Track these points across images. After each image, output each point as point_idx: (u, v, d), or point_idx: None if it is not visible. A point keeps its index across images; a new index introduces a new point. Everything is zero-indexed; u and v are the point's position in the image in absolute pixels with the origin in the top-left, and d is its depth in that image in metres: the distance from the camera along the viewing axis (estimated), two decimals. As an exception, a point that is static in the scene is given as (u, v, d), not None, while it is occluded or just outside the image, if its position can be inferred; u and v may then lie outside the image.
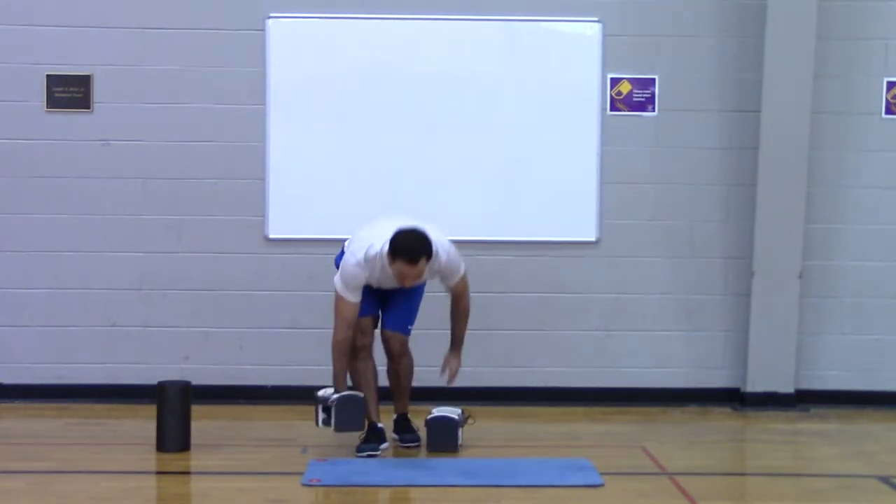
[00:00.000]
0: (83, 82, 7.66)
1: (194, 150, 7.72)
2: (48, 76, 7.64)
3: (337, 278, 6.15)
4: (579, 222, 7.77)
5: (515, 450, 6.34)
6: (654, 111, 7.79)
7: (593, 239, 7.79)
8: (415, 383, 7.73)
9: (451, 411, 6.32)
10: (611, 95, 7.77)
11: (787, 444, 6.97)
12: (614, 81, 7.77)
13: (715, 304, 7.85)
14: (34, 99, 7.66)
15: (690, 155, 7.81)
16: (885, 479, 5.85)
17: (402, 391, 6.56)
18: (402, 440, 6.42)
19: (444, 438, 6.24)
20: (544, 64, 7.76)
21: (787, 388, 7.75)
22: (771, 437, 7.07)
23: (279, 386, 7.75)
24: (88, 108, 7.68)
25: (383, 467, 5.86)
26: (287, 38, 7.68)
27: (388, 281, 6.15)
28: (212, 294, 7.75)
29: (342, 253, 6.32)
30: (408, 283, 6.07)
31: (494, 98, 7.74)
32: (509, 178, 7.75)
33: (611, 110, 7.77)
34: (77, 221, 7.70)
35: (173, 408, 6.22)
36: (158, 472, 5.96)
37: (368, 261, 6.04)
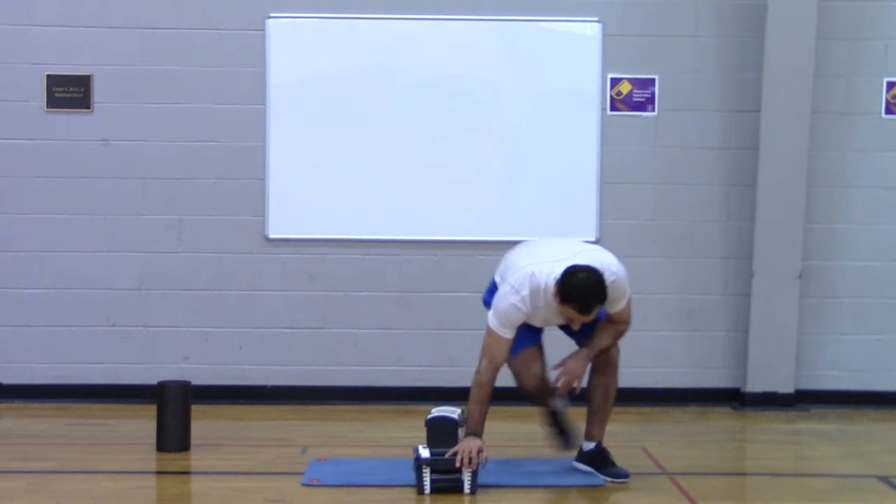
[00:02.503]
0: (83, 82, 7.65)
1: (194, 150, 7.72)
2: (48, 76, 7.64)
3: (491, 314, 5.43)
4: (579, 222, 7.76)
5: (515, 450, 6.33)
6: (654, 111, 7.79)
7: (593, 239, 7.79)
8: (415, 383, 7.76)
9: (451, 411, 6.28)
10: (611, 95, 7.77)
11: (787, 444, 6.96)
12: (614, 81, 7.77)
13: (715, 304, 7.85)
14: (34, 99, 7.65)
15: (690, 155, 7.81)
16: (885, 479, 5.85)
17: (605, 412, 5.77)
18: (610, 474, 5.73)
19: (444, 438, 6.22)
20: (544, 64, 7.76)
21: (787, 388, 7.75)
22: (771, 437, 7.07)
23: (279, 386, 7.75)
24: (88, 108, 7.67)
25: (383, 467, 5.85)
26: (287, 38, 7.68)
27: (556, 318, 5.50)
28: (212, 294, 7.75)
29: (493, 288, 5.59)
30: (576, 327, 5.41)
31: (494, 98, 7.74)
32: (509, 179, 7.75)
33: (611, 110, 7.77)
34: (77, 221, 7.70)
35: (173, 408, 6.22)
36: (158, 472, 5.96)
37: (533, 295, 5.33)
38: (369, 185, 7.69)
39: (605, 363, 5.67)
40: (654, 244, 7.83)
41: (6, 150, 7.67)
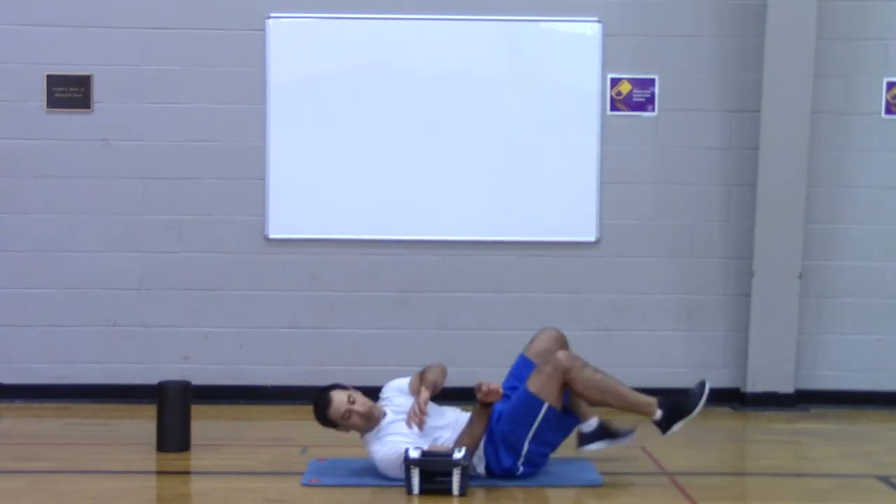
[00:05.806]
0: (83, 82, 7.66)
1: (194, 150, 7.72)
2: (48, 76, 7.64)
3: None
4: (579, 222, 7.77)
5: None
6: (654, 111, 7.79)
7: (593, 239, 7.79)
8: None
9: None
10: (611, 95, 7.77)
11: (787, 444, 6.96)
12: (614, 81, 7.77)
13: (715, 304, 7.85)
14: (34, 99, 7.66)
15: (690, 155, 7.81)
16: (885, 479, 5.85)
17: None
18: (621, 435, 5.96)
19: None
20: (544, 64, 7.76)
21: (787, 388, 7.75)
22: (771, 437, 7.07)
23: (279, 386, 7.75)
24: (88, 108, 7.68)
25: (383, 467, 5.85)
26: (287, 38, 7.68)
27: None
28: (212, 294, 7.75)
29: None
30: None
31: (494, 98, 7.74)
32: (509, 179, 7.75)
33: (611, 110, 7.78)
34: (77, 221, 7.70)
35: (173, 408, 6.22)
36: (158, 472, 5.96)
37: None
38: (369, 185, 7.69)
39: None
40: (654, 244, 7.83)
41: (6, 150, 7.67)
